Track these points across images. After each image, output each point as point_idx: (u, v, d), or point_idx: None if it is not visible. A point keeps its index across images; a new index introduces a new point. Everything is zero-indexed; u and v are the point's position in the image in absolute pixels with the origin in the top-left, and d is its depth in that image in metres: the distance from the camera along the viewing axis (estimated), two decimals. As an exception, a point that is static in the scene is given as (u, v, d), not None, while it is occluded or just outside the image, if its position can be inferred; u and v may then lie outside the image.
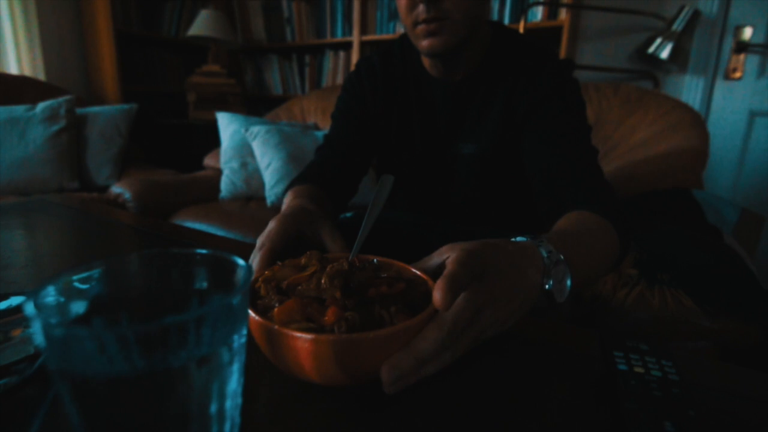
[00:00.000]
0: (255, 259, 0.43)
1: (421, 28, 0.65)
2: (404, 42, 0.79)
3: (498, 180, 0.77)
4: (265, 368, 0.35)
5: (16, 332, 0.38)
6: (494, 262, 0.35)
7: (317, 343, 0.28)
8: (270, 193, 1.65)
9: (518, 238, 0.41)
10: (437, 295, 0.30)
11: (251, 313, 0.31)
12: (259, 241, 0.45)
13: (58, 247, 0.69)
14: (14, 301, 0.44)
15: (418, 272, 0.37)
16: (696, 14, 1.83)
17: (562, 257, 0.40)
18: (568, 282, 0.40)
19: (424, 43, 0.66)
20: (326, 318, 0.30)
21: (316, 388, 0.33)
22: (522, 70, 0.70)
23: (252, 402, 0.32)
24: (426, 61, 0.75)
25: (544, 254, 0.39)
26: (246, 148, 1.80)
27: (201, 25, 2.33)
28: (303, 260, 0.38)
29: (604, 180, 0.64)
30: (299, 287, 0.34)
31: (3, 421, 0.29)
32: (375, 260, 0.40)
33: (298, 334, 0.29)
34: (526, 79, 0.70)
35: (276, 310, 0.31)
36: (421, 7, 0.63)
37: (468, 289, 0.32)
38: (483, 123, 0.74)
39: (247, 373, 0.33)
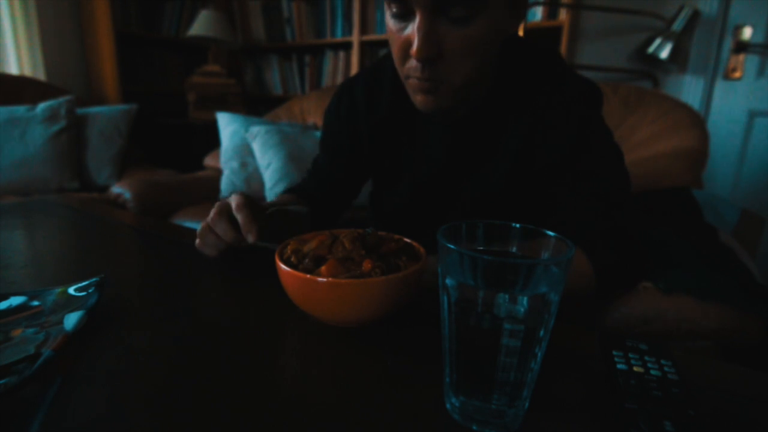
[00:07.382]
0: (239, 216, 0.52)
1: (413, 82, 0.57)
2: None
3: (504, 213, 0.71)
4: (294, 321, 0.42)
5: (16, 332, 0.38)
6: None
7: (367, 285, 0.37)
8: (270, 193, 1.65)
9: None
10: None
11: (300, 274, 0.38)
12: (218, 208, 0.54)
13: (58, 247, 0.69)
14: (14, 301, 0.43)
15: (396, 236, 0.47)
16: (695, 14, 1.83)
17: None
18: None
19: (417, 99, 0.59)
20: (364, 268, 0.39)
21: (331, 331, 0.42)
22: (540, 109, 0.62)
23: (285, 340, 0.39)
24: None
25: None
26: (246, 148, 1.80)
27: (201, 25, 2.33)
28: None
29: (612, 215, 0.61)
30: (328, 254, 0.42)
31: (3, 421, 0.29)
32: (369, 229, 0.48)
33: (354, 281, 0.37)
34: (547, 122, 0.61)
35: (323, 268, 0.39)
36: (413, 63, 0.55)
37: None
38: (489, 165, 0.66)
39: (282, 324, 0.43)
